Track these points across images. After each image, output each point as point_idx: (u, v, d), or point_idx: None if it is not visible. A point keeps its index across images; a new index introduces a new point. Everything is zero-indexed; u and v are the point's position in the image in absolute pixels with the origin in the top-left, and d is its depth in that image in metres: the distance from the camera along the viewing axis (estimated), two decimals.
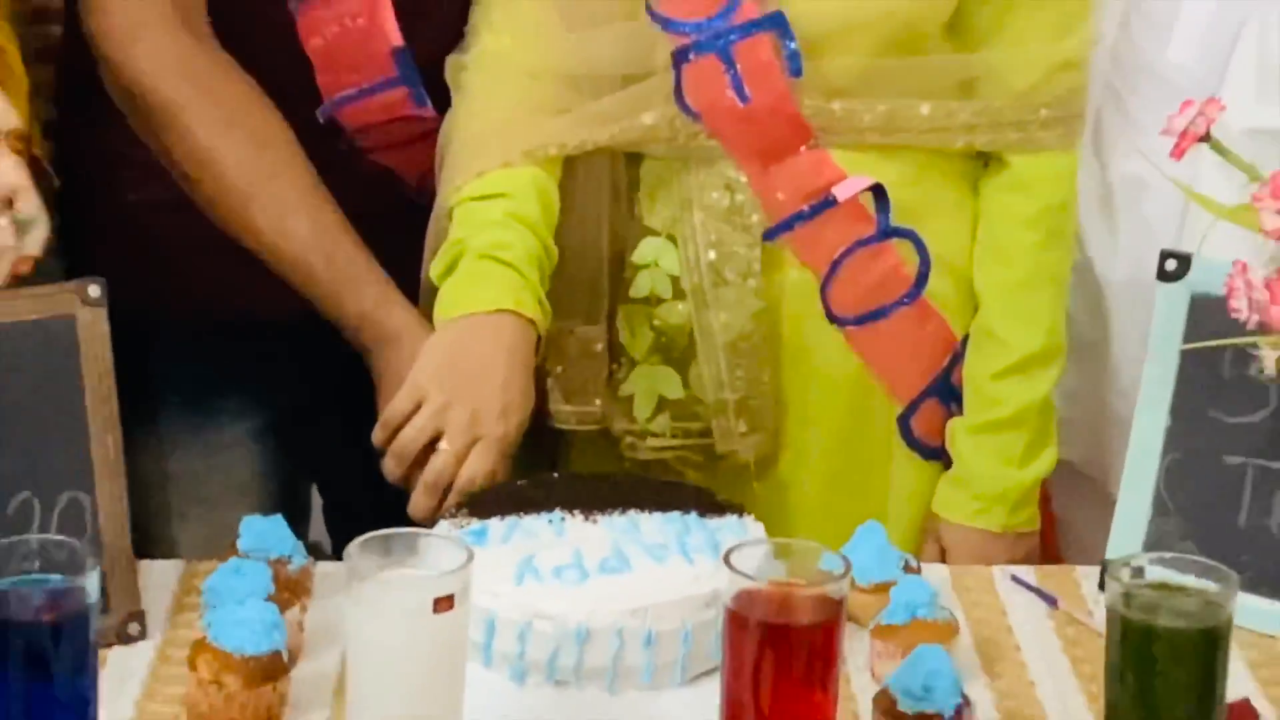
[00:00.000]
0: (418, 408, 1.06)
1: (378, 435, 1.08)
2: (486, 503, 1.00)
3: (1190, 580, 0.80)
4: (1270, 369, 0.95)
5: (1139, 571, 0.82)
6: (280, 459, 1.26)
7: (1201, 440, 1.02)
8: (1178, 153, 0.97)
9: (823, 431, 1.19)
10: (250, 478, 1.24)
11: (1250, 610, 0.96)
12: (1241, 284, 0.92)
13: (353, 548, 0.75)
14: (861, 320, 1.16)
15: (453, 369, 1.08)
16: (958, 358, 1.19)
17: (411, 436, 1.06)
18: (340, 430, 1.23)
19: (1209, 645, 0.79)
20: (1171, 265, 1.03)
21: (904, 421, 1.19)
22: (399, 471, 1.07)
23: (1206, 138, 0.96)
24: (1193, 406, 1.02)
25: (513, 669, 0.89)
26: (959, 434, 1.17)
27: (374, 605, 0.74)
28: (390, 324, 1.13)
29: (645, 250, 1.17)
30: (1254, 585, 0.97)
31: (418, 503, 1.05)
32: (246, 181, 1.13)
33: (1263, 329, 0.94)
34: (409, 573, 0.76)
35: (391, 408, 1.07)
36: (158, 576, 1.01)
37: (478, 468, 1.05)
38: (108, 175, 1.20)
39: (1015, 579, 1.06)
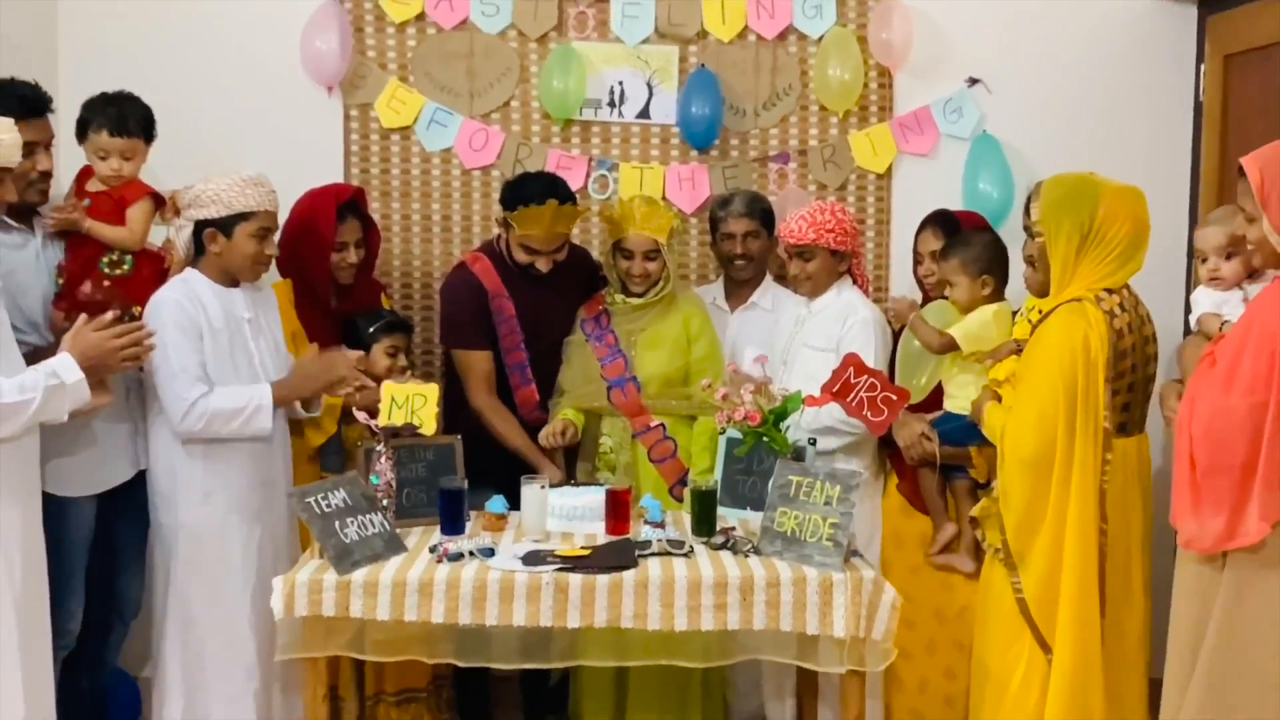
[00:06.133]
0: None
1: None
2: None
3: None
4: (725, 426, 3.48)
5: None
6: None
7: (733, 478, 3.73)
8: None
9: (652, 483, 3.90)
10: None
11: (738, 512, 3.53)
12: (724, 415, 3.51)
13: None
14: (657, 462, 3.92)
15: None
16: (686, 470, 3.91)
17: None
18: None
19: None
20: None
21: (671, 489, 3.90)
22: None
23: None
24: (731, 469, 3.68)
25: (555, 515, 3.51)
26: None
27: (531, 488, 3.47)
28: (541, 462, 3.87)
29: (604, 440, 3.97)
30: (754, 504, 3.55)
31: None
32: (498, 423, 3.95)
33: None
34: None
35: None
36: None
37: None
38: (457, 416, 3.97)
39: None
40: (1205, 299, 3.15)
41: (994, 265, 3.59)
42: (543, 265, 3.90)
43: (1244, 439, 2.53)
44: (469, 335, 3.99)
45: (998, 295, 3.60)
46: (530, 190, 3.83)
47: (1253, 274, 3.12)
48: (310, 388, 3.56)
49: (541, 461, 3.91)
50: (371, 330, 3.88)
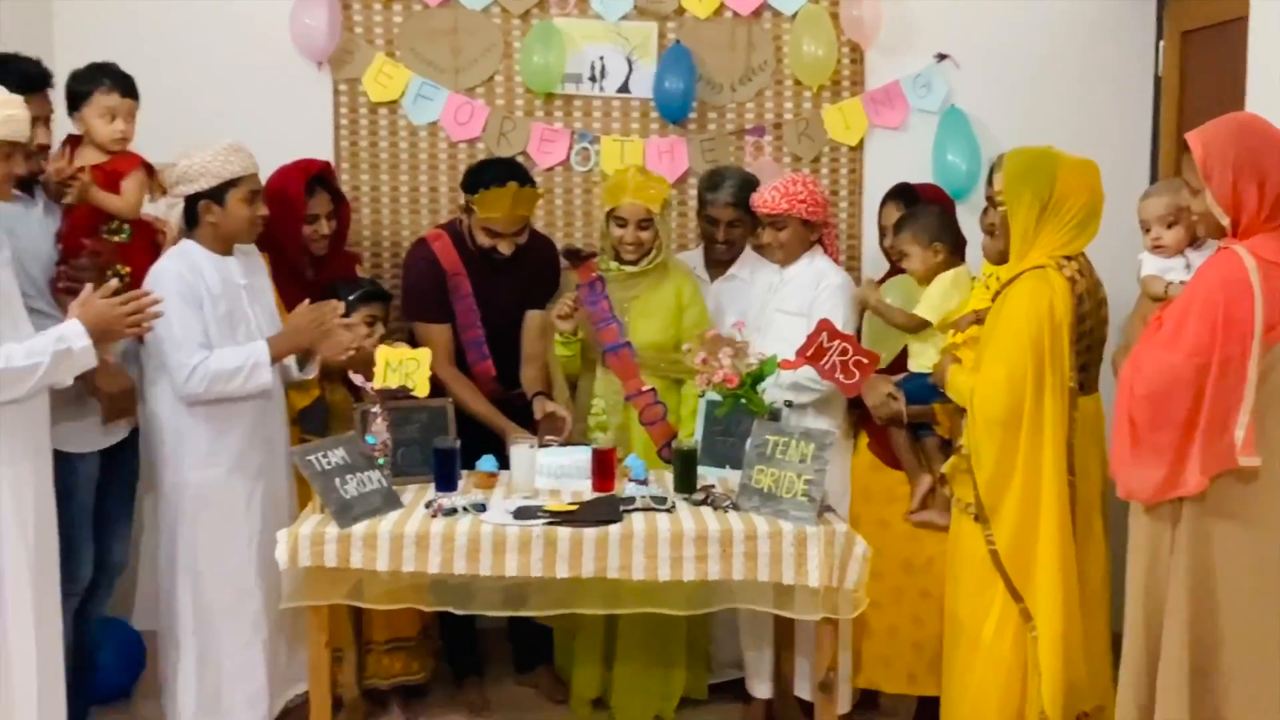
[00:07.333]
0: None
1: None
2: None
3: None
4: (704, 389, 3.66)
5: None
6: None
7: (713, 438, 3.95)
8: None
9: (642, 445, 4.07)
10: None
11: (718, 471, 3.74)
12: (704, 378, 3.67)
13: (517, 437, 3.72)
14: (647, 424, 4.09)
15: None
16: (675, 434, 4.06)
17: None
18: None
19: None
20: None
21: (660, 451, 4.06)
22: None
23: None
24: (711, 430, 3.87)
25: (543, 473, 3.68)
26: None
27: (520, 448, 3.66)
28: (505, 425, 4.02)
29: (596, 402, 4.13)
30: (733, 463, 3.73)
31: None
32: (461, 392, 4.06)
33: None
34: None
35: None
36: None
37: None
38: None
39: None
40: (1151, 264, 3.32)
41: (943, 233, 3.77)
42: (505, 248, 4.03)
43: (1187, 396, 2.70)
44: (428, 309, 4.14)
45: (951, 260, 3.77)
46: (490, 174, 3.99)
47: (1194, 242, 3.29)
48: (303, 340, 3.68)
49: (506, 425, 4.03)
50: (351, 299, 3.99)
